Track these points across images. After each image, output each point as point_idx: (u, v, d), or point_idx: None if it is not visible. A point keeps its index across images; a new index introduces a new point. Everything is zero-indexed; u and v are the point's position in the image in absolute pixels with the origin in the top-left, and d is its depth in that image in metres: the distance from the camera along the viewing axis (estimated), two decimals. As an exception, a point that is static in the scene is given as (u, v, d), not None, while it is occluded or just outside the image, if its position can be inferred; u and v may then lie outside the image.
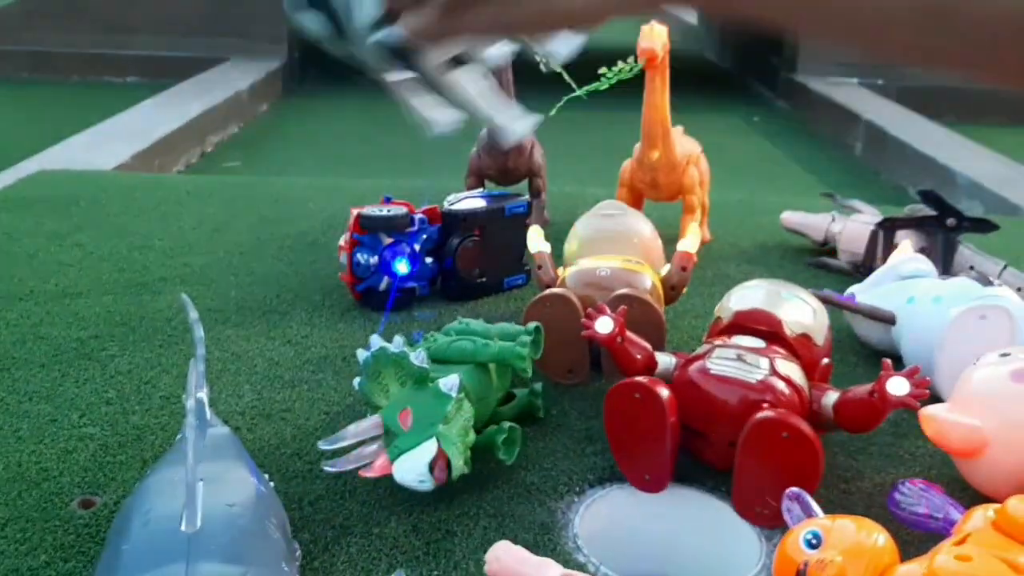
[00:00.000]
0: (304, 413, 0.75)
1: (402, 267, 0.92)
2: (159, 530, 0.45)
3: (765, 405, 0.62)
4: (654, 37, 1.01)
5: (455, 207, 0.98)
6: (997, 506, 0.51)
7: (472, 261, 0.97)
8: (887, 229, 1.03)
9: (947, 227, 0.98)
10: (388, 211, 0.93)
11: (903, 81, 3.61)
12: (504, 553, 0.47)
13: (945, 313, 0.75)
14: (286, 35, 3.77)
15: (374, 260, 0.92)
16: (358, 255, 0.92)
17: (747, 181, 2.51)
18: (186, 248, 1.14)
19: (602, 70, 1.02)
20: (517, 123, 0.47)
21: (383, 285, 0.93)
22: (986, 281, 0.78)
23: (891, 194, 2.69)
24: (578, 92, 1.03)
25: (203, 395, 0.60)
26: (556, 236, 0.94)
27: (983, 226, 0.99)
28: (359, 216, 0.92)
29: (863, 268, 1.05)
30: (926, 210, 1.02)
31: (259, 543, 0.45)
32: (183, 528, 0.44)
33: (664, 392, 0.62)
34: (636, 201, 1.16)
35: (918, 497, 0.57)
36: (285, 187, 1.47)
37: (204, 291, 1.00)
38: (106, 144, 2.27)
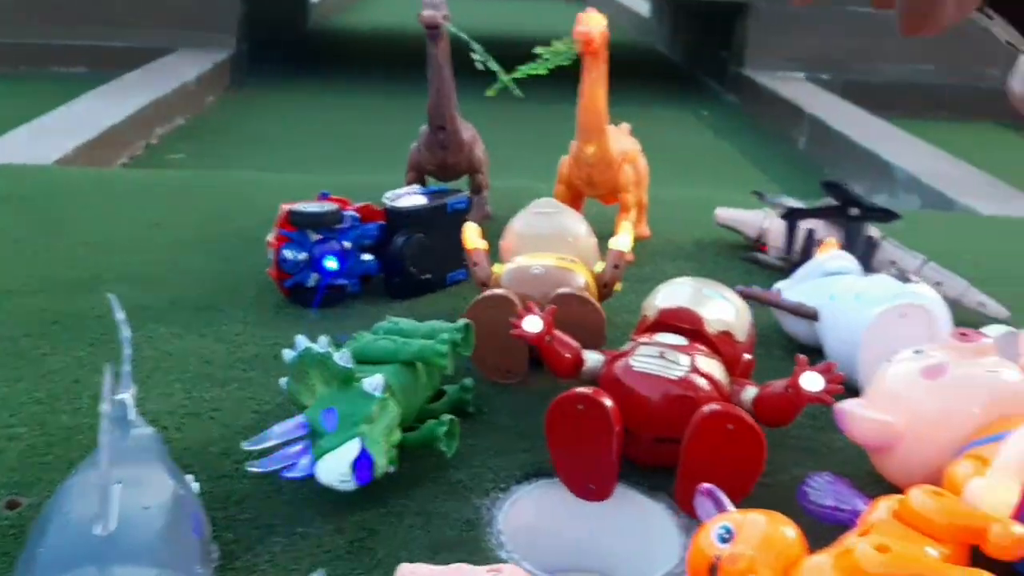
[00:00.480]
0: (233, 412, 0.75)
1: (331, 264, 0.92)
2: (74, 533, 0.45)
3: (686, 401, 0.63)
4: (591, 22, 1.00)
5: (398, 204, 0.98)
6: (900, 497, 0.53)
7: (418, 259, 0.98)
8: (791, 219, 1.05)
9: (850, 217, 1.01)
10: (318, 207, 0.93)
11: (848, 75, 3.67)
12: (411, 574, 0.48)
13: (865, 309, 0.77)
14: (235, 26, 3.73)
15: (302, 256, 0.92)
16: (285, 251, 0.92)
17: (692, 176, 2.54)
18: (124, 245, 1.13)
19: (538, 50, 1.01)
20: None
21: (312, 281, 0.93)
22: (904, 278, 0.81)
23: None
24: (517, 73, 1.02)
25: (128, 396, 0.61)
26: (497, 232, 0.95)
27: (884, 216, 1.02)
28: (288, 212, 0.92)
29: (791, 263, 1.07)
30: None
31: (173, 545, 0.46)
32: (98, 531, 0.44)
33: (608, 402, 0.62)
34: (575, 197, 1.17)
35: (826, 490, 0.59)
36: (226, 182, 1.46)
37: (140, 289, 0.99)
38: (48, 137, 2.24)
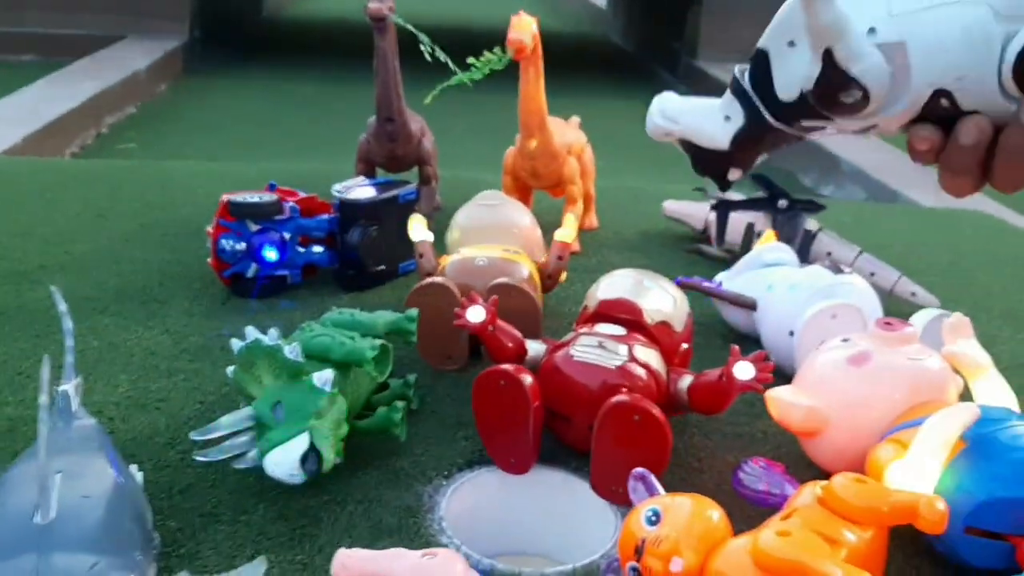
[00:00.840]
0: (179, 403, 0.75)
1: (271, 254, 0.93)
2: (14, 522, 0.46)
3: (623, 389, 0.65)
4: (523, 28, 1.02)
5: (352, 196, 0.98)
6: (824, 483, 0.55)
7: (373, 251, 0.98)
8: (721, 211, 1.08)
9: (778, 208, 1.04)
10: (258, 198, 0.93)
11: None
12: (348, 559, 0.49)
13: (798, 299, 0.80)
14: (187, 13, 3.69)
15: (240, 246, 0.92)
16: (223, 241, 0.93)
17: (643, 167, 2.56)
18: (68, 235, 1.13)
19: (471, 60, 1.03)
20: None
21: (251, 271, 0.93)
22: (837, 269, 0.83)
23: (781, 180, 2.77)
24: (450, 81, 1.04)
25: (71, 388, 0.61)
26: (447, 222, 0.96)
27: (810, 206, 1.05)
28: (227, 202, 0.93)
29: (733, 255, 1.09)
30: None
31: (113, 533, 0.46)
32: (37, 520, 0.45)
33: (527, 379, 0.64)
34: (522, 189, 1.18)
35: (758, 475, 0.61)
36: (173, 171, 1.45)
37: (84, 280, 0.99)
38: (-8, 125, 2.20)
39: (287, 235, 0.95)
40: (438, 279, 0.80)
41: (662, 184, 1.80)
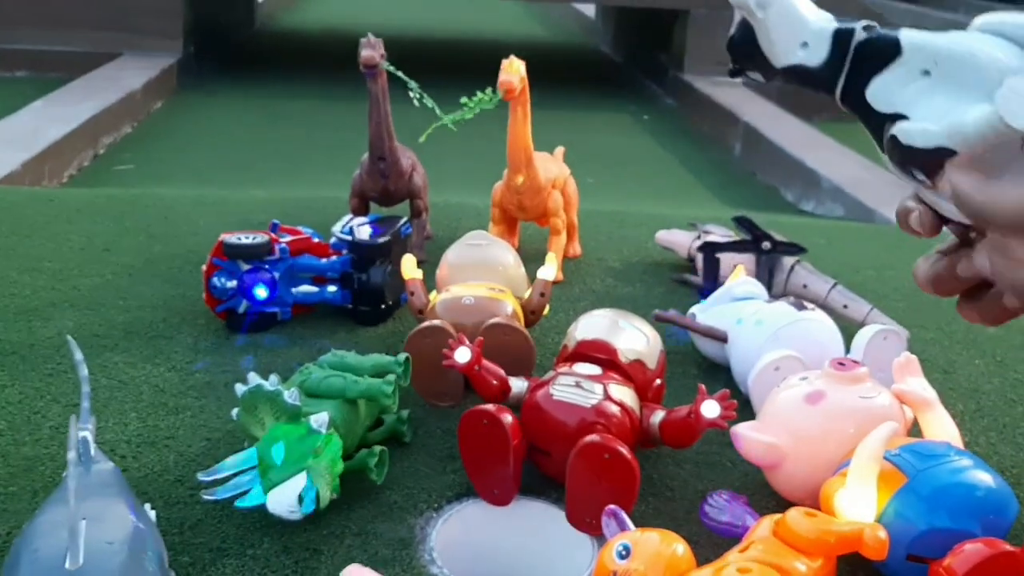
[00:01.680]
0: (187, 440, 0.80)
1: (260, 292, 0.99)
2: (45, 568, 0.51)
3: (599, 427, 0.70)
4: (512, 71, 1.08)
5: (366, 238, 1.04)
6: (779, 517, 0.61)
7: (392, 287, 1.05)
8: (708, 252, 1.13)
9: (762, 250, 1.09)
10: (251, 239, 0.99)
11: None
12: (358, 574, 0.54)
13: (764, 335, 0.86)
14: (181, 29, 3.74)
15: (231, 284, 0.99)
16: (214, 279, 0.99)
17: (629, 184, 2.62)
18: (75, 270, 1.18)
19: (463, 99, 1.09)
20: None
21: (242, 308, 1.00)
22: (800, 305, 0.89)
23: (763, 195, 2.85)
24: (442, 121, 1.10)
25: (89, 432, 0.66)
26: (437, 252, 1.02)
27: (792, 249, 1.10)
28: (221, 243, 0.98)
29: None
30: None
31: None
32: (67, 566, 0.50)
33: (508, 419, 0.70)
34: (509, 220, 1.25)
35: (723, 507, 0.66)
36: (175, 201, 1.50)
37: (92, 316, 1.04)
38: (-8, 151, 2.25)
39: (277, 274, 1.00)
40: (436, 322, 0.85)
41: (645, 205, 1.85)
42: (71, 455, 0.53)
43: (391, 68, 1.13)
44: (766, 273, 1.10)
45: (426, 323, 0.86)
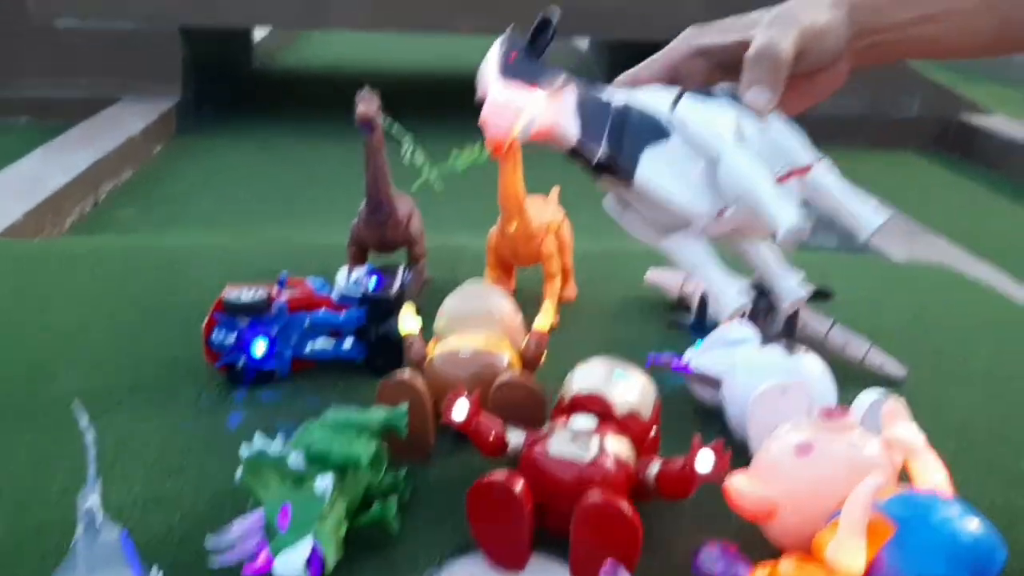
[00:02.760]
0: (191, 500, 0.82)
1: (259, 348, 1.01)
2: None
3: (596, 482, 0.72)
4: None
5: (377, 292, 1.06)
6: (771, 567, 0.62)
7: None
8: (704, 295, 1.15)
9: (761, 293, 1.10)
10: (251, 294, 1.00)
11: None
12: None
13: (755, 380, 0.87)
14: (179, 72, 3.78)
15: (229, 340, 1.01)
16: (214, 334, 1.01)
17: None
18: (79, 325, 1.20)
19: (453, 153, 1.12)
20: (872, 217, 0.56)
21: (240, 363, 1.01)
22: (792, 350, 0.90)
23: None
24: (431, 175, 1.13)
25: (96, 502, 0.68)
26: (440, 289, 1.03)
27: (819, 295, 1.10)
28: (222, 299, 1.00)
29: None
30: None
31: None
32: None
33: (518, 488, 0.71)
34: (504, 266, 1.27)
35: (715, 558, 0.68)
36: (176, 249, 1.52)
37: (97, 373, 1.06)
38: (-5, 202, 2.28)
39: (275, 331, 1.02)
40: (405, 376, 0.86)
41: (637, 244, 1.86)
42: (81, 528, 0.54)
43: (386, 123, 1.15)
44: (762, 313, 1.11)
45: (396, 376, 0.87)
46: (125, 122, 3.27)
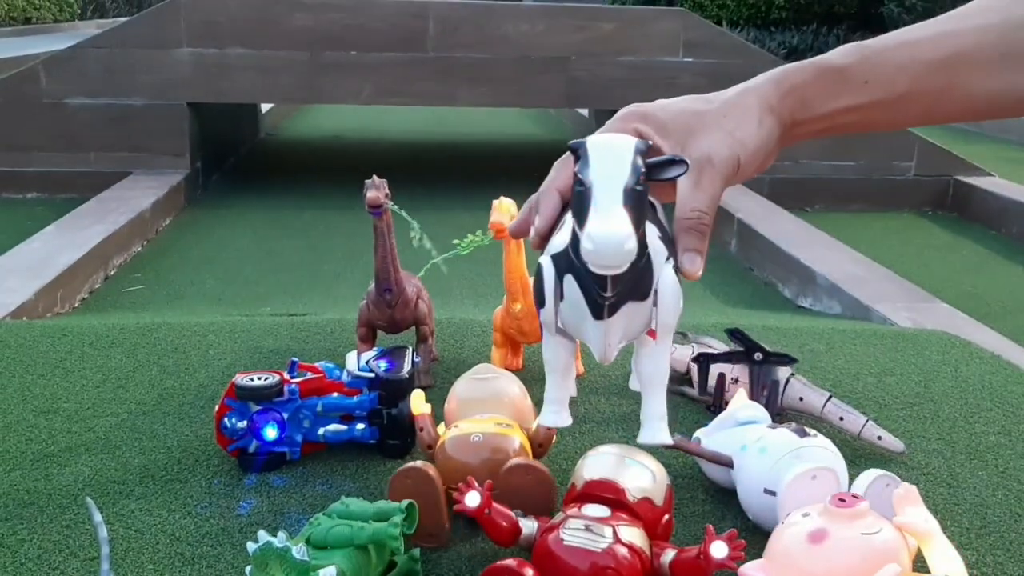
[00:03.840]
0: (204, 592, 0.82)
1: (270, 433, 1.02)
2: None
3: (610, 572, 0.72)
4: (503, 211, 1.14)
5: (387, 374, 1.06)
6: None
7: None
8: (701, 363, 1.16)
9: (755, 360, 1.12)
10: (262, 380, 1.01)
11: (775, 173, 3.86)
12: None
13: (768, 462, 0.87)
14: (188, 146, 3.83)
15: (241, 424, 1.01)
16: (225, 420, 1.02)
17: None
18: (90, 409, 1.20)
19: (456, 241, 1.15)
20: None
21: (252, 447, 1.02)
22: (803, 432, 0.91)
23: (761, 291, 2.88)
24: (437, 259, 1.15)
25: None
26: (448, 367, 1.04)
27: (784, 360, 1.13)
28: (233, 384, 1.01)
29: (714, 405, 1.17)
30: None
31: None
32: None
33: (528, 573, 0.71)
34: (511, 343, 1.28)
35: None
36: (186, 329, 1.53)
37: (108, 460, 1.06)
38: (7, 280, 2.30)
39: (286, 415, 1.03)
40: (418, 464, 0.87)
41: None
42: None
43: (395, 208, 1.17)
44: (760, 387, 1.12)
45: (408, 465, 0.87)
46: (135, 197, 3.30)
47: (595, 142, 0.55)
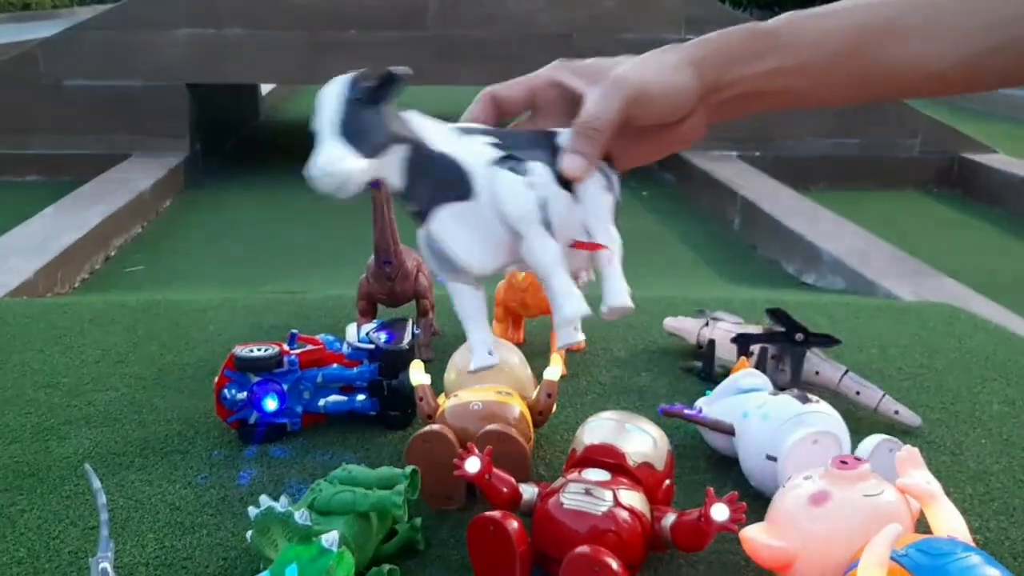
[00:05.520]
0: (204, 560, 0.81)
1: (270, 404, 1.01)
2: None
3: (610, 535, 0.72)
4: None
5: (392, 345, 1.05)
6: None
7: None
8: (741, 343, 1.14)
9: (795, 342, 1.10)
10: (262, 351, 1.01)
11: (778, 152, 3.85)
12: None
13: (770, 427, 0.87)
14: (188, 128, 3.83)
15: (240, 396, 1.01)
16: (225, 391, 1.01)
17: (631, 262, 2.65)
18: (90, 384, 1.20)
19: None
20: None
21: (253, 419, 1.01)
22: (805, 398, 0.90)
23: (765, 269, 2.87)
24: None
25: (108, 563, 0.68)
26: (448, 342, 1.03)
27: (826, 341, 1.11)
28: (233, 355, 1.00)
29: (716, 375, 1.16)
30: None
31: None
32: None
33: (513, 525, 0.72)
34: (513, 317, 1.27)
35: (735, 611, 0.67)
36: (185, 306, 1.53)
37: (108, 433, 1.06)
38: (8, 260, 2.29)
39: (286, 386, 1.02)
40: (436, 427, 0.87)
41: (649, 285, 1.87)
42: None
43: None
44: (768, 360, 1.11)
45: (426, 428, 0.87)
46: (134, 178, 3.30)
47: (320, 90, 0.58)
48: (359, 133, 0.56)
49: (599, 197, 0.61)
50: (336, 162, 0.54)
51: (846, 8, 0.59)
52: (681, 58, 0.59)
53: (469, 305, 0.63)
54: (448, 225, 0.58)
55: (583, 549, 0.68)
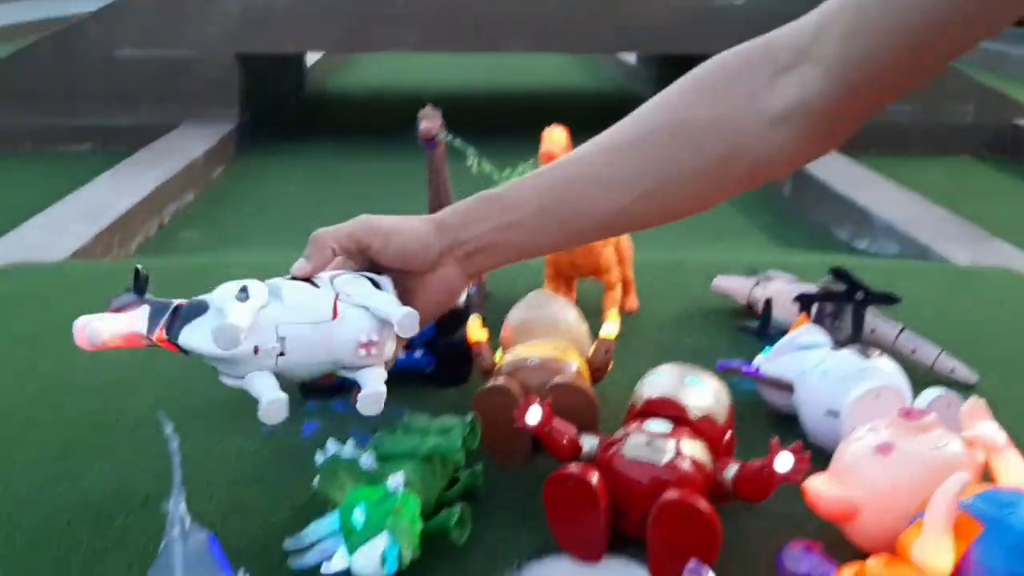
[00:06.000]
0: (271, 507, 0.83)
1: None
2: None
3: (672, 484, 0.72)
4: (554, 141, 1.12)
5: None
6: (859, 566, 0.62)
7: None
8: (803, 302, 1.14)
9: (856, 301, 1.09)
10: None
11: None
12: None
13: (830, 383, 0.87)
14: (237, 98, 3.87)
15: None
16: None
17: (681, 228, 2.63)
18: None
19: (505, 172, 1.14)
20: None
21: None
22: (866, 354, 0.89)
23: (816, 234, 2.84)
24: (499, 178, 1.14)
25: (183, 506, 0.70)
26: (498, 309, 1.04)
27: (887, 299, 1.10)
28: None
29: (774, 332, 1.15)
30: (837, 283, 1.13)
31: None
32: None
33: (594, 478, 0.72)
34: (564, 277, 1.27)
35: (800, 558, 0.67)
36: (240, 268, 1.55)
37: (172, 391, 1.08)
38: (66, 226, 2.34)
39: None
40: (501, 381, 0.87)
41: (699, 250, 1.86)
42: (175, 531, 0.56)
43: (449, 138, 1.17)
44: (828, 317, 1.10)
45: (491, 383, 0.88)
46: (186, 147, 3.34)
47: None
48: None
49: (371, 295, 0.68)
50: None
51: (558, 165, 0.72)
52: (426, 219, 0.72)
53: (253, 376, 0.73)
54: (190, 332, 0.70)
55: (671, 495, 0.68)
